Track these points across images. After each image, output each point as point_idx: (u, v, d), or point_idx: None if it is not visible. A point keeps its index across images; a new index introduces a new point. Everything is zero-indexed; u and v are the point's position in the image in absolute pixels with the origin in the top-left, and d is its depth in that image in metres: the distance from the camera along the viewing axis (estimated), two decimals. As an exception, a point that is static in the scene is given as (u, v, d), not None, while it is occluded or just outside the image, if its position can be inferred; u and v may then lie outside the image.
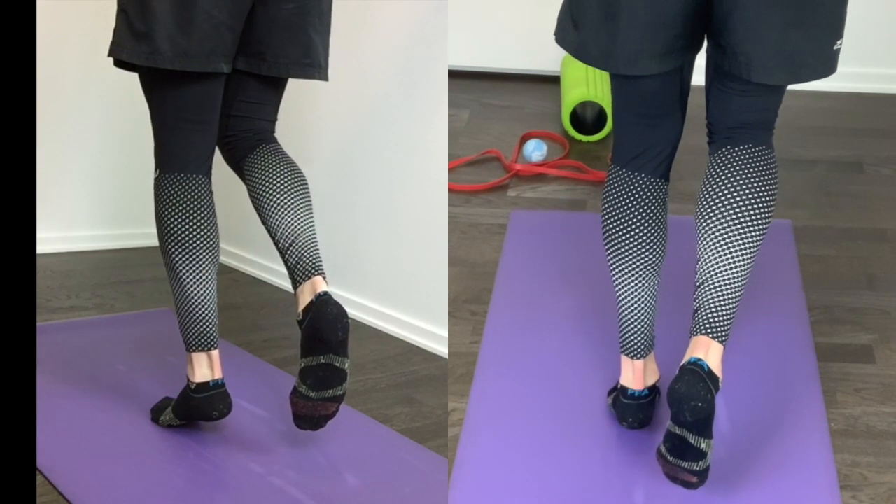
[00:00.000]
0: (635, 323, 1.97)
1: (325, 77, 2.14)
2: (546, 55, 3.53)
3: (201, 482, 2.01)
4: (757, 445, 2.03)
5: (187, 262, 2.05)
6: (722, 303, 1.79)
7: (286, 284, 3.22)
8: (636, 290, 1.95)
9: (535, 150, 3.08)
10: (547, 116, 3.39)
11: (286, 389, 2.40)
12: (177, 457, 2.09)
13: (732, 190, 1.83)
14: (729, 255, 1.81)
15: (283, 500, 1.94)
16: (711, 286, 1.81)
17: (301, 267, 2.01)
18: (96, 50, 2.96)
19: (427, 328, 2.85)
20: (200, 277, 2.06)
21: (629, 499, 1.92)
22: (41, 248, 3.34)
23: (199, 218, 2.05)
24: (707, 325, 1.79)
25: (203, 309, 2.07)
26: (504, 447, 2.04)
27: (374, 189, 3.02)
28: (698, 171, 2.96)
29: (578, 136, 3.24)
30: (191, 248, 2.05)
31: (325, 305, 1.94)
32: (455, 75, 3.49)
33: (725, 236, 1.82)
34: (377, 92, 2.99)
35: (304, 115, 3.16)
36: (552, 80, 3.57)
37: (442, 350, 2.76)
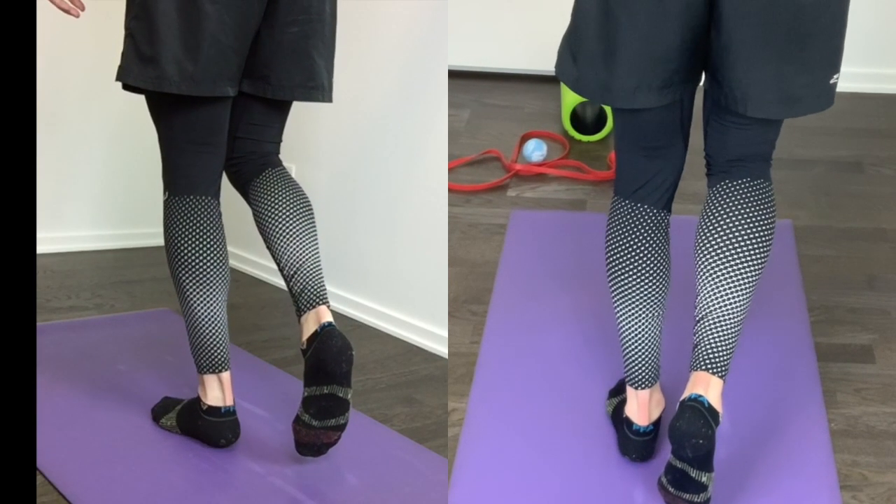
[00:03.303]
0: (639, 354, 1.96)
1: (329, 99, 2.14)
2: (546, 55, 3.52)
3: (201, 482, 2.01)
4: (757, 445, 2.03)
5: (197, 286, 2.05)
6: (721, 338, 1.80)
7: (286, 284, 3.22)
8: (640, 322, 1.94)
9: (535, 150, 3.08)
10: (547, 116, 3.39)
11: (286, 389, 2.41)
12: (177, 457, 2.09)
13: (731, 225, 1.84)
14: (728, 291, 1.82)
15: (283, 500, 1.94)
16: (711, 321, 1.82)
17: (306, 295, 2.02)
18: (101, 54, 2.97)
19: (427, 328, 2.85)
20: (210, 302, 2.06)
21: (629, 499, 1.92)
22: (41, 248, 3.34)
23: (209, 243, 2.05)
24: (707, 361, 1.79)
25: (213, 332, 2.07)
26: (504, 447, 2.04)
27: (374, 189, 3.02)
28: (698, 170, 2.95)
29: (578, 136, 3.24)
30: (201, 273, 2.05)
31: (329, 338, 1.95)
32: (455, 75, 3.49)
33: (724, 272, 1.82)
34: (377, 92, 2.99)
35: (304, 115, 3.16)
36: (552, 80, 3.57)
37: (442, 350, 2.76)
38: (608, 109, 3.19)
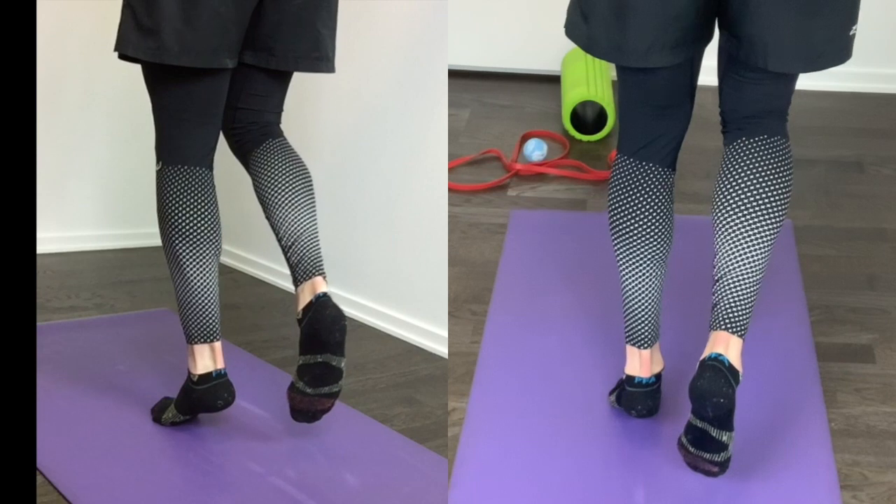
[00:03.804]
0: (642, 313, 1.97)
1: (332, 69, 2.15)
2: (546, 55, 3.53)
3: (201, 482, 2.01)
4: (757, 445, 2.03)
5: (190, 252, 2.05)
6: (740, 297, 1.81)
7: (286, 284, 3.22)
8: (643, 280, 1.95)
9: (536, 150, 3.08)
10: (547, 116, 3.39)
11: (286, 389, 2.40)
12: (177, 457, 2.09)
13: (748, 184, 1.84)
14: (746, 250, 1.82)
15: (283, 500, 1.94)
16: (729, 281, 1.82)
17: (302, 266, 2.03)
18: (100, 50, 2.96)
19: (427, 328, 2.84)
20: (203, 268, 2.06)
21: (629, 498, 1.92)
22: (41, 248, 3.34)
23: (202, 208, 2.06)
24: (726, 320, 1.81)
25: (206, 299, 2.07)
26: (504, 447, 2.04)
27: (374, 189, 3.02)
28: (699, 170, 2.96)
29: (579, 136, 3.24)
30: (194, 238, 2.05)
31: (324, 307, 1.97)
32: (455, 75, 3.49)
33: (742, 231, 1.83)
34: (377, 92, 2.99)
35: (304, 114, 3.16)
36: (552, 80, 3.57)
37: (442, 350, 2.76)
38: (609, 108, 3.19)
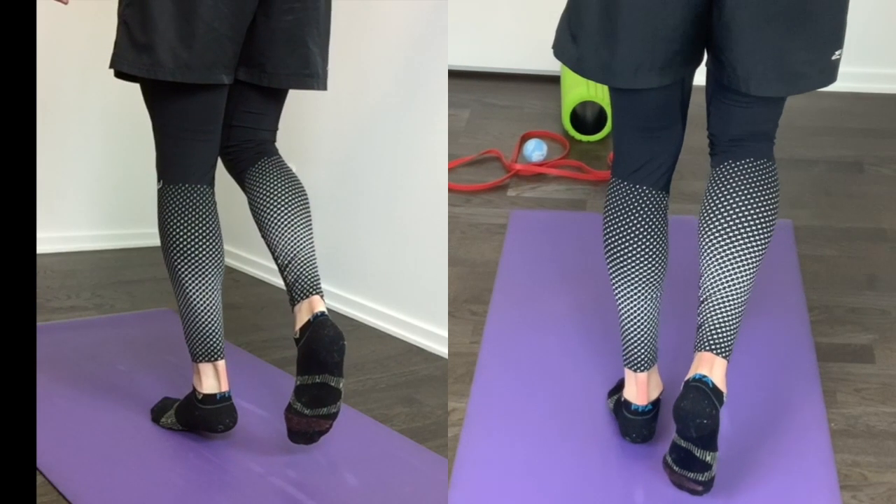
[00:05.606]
0: (638, 336, 1.97)
1: (323, 87, 2.14)
2: (546, 55, 3.52)
3: (201, 482, 2.01)
4: (757, 445, 2.03)
5: (192, 273, 2.05)
6: (725, 319, 1.81)
7: (286, 284, 3.22)
8: (639, 304, 1.95)
9: (536, 150, 3.08)
10: (547, 116, 3.39)
11: (286, 389, 2.40)
12: (177, 457, 2.09)
13: (734, 206, 1.84)
14: (731, 272, 1.82)
15: (283, 500, 1.94)
16: (714, 302, 1.82)
17: (299, 285, 2.02)
18: (97, 51, 2.96)
19: (427, 328, 2.85)
20: (205, 288, 2.06)
21: (629, 499, 1.92)
22: (41, 248, 3.35)
23: (203, 229, 2.05)
24: (711, 342, 1.81)
25: (208, 320, 2.07)
26: (504, 447, 2.04)
27: (374, 189, 3.02)
28: (698, 170, 2.96)
29: (578, 136, 3.24)
30: (196, 259, 2.05)
31: (322, 327, 1.96)
32: (455, 75, 3.49)
33: (727, 253, 1.83)
34: (377, 92, 2.99)
35: (304, 115, 3.16)
36: (552, 80, 3.57)
37: (442, 350, 2.76)
38: (608, 109, 3.19)
